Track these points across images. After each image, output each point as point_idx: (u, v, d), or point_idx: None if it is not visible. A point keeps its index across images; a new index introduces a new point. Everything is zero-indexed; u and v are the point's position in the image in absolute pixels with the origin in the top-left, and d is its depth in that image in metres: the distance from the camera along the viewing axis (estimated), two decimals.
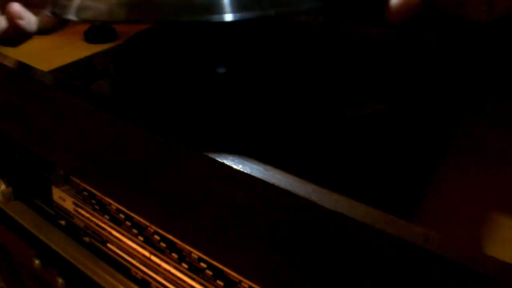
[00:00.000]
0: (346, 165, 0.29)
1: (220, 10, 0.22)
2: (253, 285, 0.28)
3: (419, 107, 0.27)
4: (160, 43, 0.47)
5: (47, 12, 0.30)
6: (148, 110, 0.27)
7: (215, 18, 0.22)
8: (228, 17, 0.22)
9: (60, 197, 0.41)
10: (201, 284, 0.32)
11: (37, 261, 0.45)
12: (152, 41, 0.48)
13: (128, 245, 0.36)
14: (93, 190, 0.36)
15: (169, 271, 0.34)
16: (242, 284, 0.29)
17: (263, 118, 0.32)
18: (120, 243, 0.37)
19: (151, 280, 0.36)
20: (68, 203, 0.40)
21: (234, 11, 0.22)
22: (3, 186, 0.42)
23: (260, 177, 0.20)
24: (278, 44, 0.44)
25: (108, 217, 0.36)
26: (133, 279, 0.37)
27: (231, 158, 0.22)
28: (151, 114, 0.26)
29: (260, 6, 0.22)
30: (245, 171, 0.21)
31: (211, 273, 0.30)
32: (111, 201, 0.35)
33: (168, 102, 0.35)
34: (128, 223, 0.35)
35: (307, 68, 0.41)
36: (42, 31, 0.34)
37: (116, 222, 0.36)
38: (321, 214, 0.19)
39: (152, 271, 0.35)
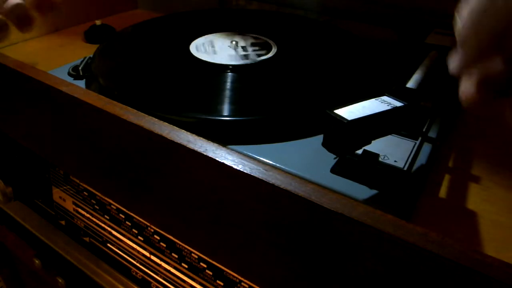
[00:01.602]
0: (345, 165, 0.29)
1: None
2: (253, 285, 0.28)
3: (418, 107, 0.27)
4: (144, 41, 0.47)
5: None
6: (144, 108, 0.27)
7: None
8: None
9: (60, 197, 0.41)
10: (201, 284, 0.32)
11: (37, 261, 0.45)
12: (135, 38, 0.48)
13: (128, 245, 0.36)
14: (93, 190, 0.37)
15: (169, 271, 0.34)
16: (242, 284, 0.29)
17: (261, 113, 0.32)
18: (120, 243, 0.37)
19: (151, 280, 0.36)
20: (68, 203, 0.40)
21: None
22: (3, 186, 0.42)
23: (260, 177, 0.20)
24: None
25: (108, 217, 0.36)
26: (133, 279, 0.37)
27: (231, 158, 0.22)
28: (149, 112, 0.26)
29: None
30: (245, 171, 0.21)
31: (211, 273, 0.30)
32: (111, 201, 0.35)
33: (164, 101, 0.35)
34: (128, 223, 0.35)
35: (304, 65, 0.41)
36: None
37: (116, 222, 0.36)
38: (321, 214, 0.19)
39: (152, 271, 0.35)
